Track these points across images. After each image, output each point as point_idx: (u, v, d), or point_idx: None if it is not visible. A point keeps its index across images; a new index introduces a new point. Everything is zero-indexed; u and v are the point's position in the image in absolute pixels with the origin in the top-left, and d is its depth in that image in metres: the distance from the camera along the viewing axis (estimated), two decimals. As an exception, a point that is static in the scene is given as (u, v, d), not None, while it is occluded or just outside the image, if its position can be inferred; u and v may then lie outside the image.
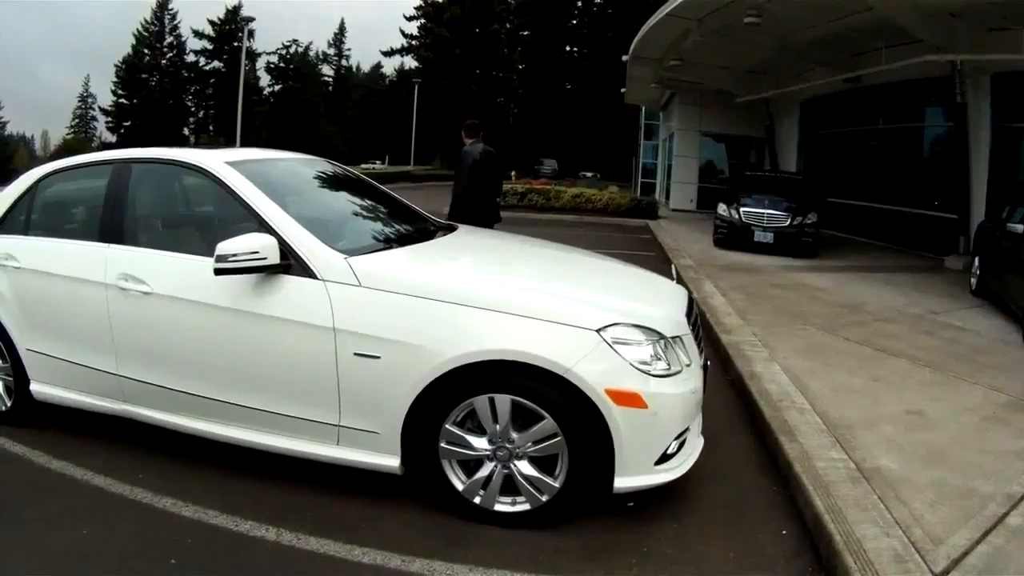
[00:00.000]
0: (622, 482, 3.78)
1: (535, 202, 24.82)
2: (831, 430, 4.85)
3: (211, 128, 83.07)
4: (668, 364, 3.86)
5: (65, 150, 74.22)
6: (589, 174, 53.24)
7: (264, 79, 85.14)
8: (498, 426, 3.81)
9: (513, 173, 38.44)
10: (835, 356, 6.90)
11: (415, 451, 3.96)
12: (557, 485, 3.81)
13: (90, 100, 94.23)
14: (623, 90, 34.15)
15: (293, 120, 78.45)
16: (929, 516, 3.74)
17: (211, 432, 4.42)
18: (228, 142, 56.24)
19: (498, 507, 3.94)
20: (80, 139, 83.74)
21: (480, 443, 3.88)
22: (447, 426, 3.88)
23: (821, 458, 4.36)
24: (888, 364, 6.73)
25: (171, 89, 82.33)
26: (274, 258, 4.07)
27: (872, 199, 19.09)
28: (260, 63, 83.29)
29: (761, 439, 5.06)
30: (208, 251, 4.21)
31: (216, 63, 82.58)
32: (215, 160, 4.66)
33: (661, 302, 4.38)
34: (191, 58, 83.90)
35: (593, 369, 3.67)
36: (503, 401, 3.76)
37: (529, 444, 3.81)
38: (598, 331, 3.76)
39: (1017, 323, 8.45)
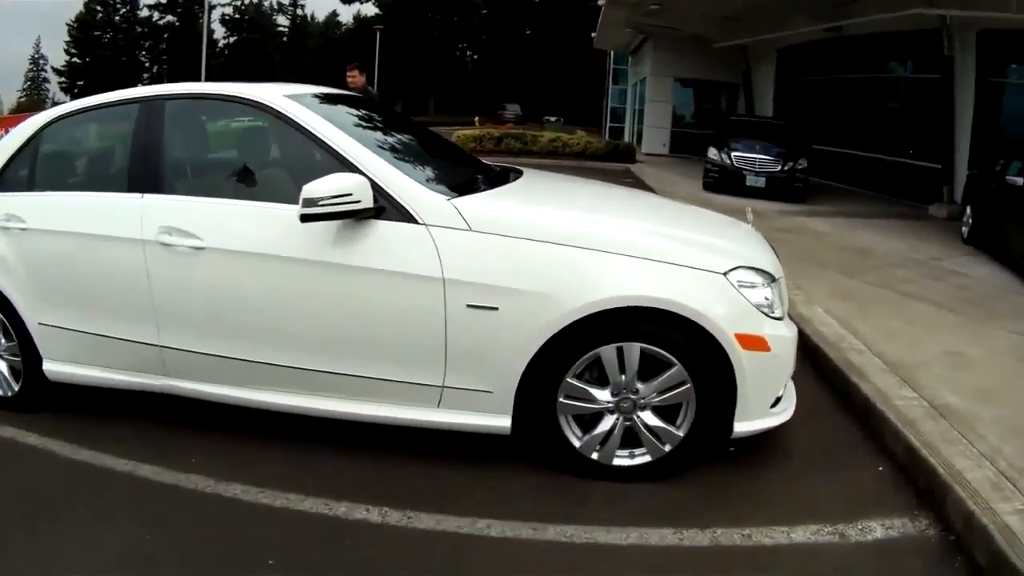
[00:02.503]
0: (741, 427, 3.72)
1: (512, 147, 24.71)
2: (892, 370, 5.04)
3: (165, 81, 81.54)
4: (780, 306, 3.86)
5: (20, 111, 72.65)
6: (553, 118, 52.96)
7: (219, 31, 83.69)
8: (624, 377, 3.63)
9: (476, 119, 38.30)
10: (865, 300, 7.12)
11: (528, 408, 3.70)
12: (681, 434, 3.71)
13: (41, 62, 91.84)
14: (593, 35, 34.26)
15: (250, 72, 77.14)
16: (1006, 449, 3.94)
17: (280, 404, 4.02)
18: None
19: (616, 461, 3.78)
20: (34, 101, 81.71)
21: (603, 395, 3.69)
22: (568, 379, 3.65)
23: (896, 396, 4.55)
24: (914, 308, 6.97)
25: (125, 46, 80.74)
26: (368, 200, 3.62)
27: (851, 146, 19.39)
28: (215, 15, 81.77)
29: (826, 380, 5.22)
30: (272, 196, 3.98)
31: (170, 17, 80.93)
32: (273, 94, 4.16)
33: (759, 245, 4.32)
34: (144, 13, 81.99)
35: (723, 313, 3.57)
36: (632, 350, 3.59)
37: (654, 394, 3.67)
38: (724, 274, 3.66)
39: (1016, 271, 8.80)
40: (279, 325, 3.91)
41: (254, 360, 3.97)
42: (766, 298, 3.75)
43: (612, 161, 23.79)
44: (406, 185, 3.78)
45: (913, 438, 4.00)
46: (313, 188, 3.53)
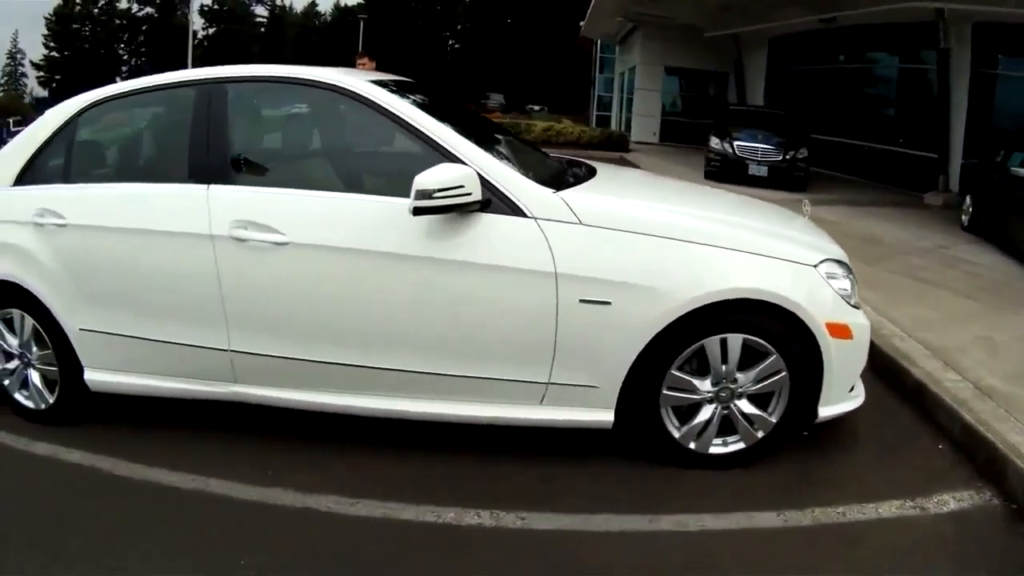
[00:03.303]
0: (824, 411, 3.85)
1: (505, 135, 24.81)
2: (934, 355, 5.30)
3: (143, 74, 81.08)
4: (855, 295, 3.99)
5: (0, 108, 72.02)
6: (537, 107, 53.20)
7: (198, 22, 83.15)
8: (726, 367, 3.69)
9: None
10: (890, 288, 7.32)
11: (632, 401, 3.70)
12: (774, 420, 3.79)
13: (19, 56, 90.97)
14: (581, 23, 34.30)
15: (229, 63, 76.68)
16: (1053, 427, 4.21)
17: (366, 408, 3.85)
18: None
19: (712, 450, 3.84)
20: (13, 96, 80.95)
21: (704, 386, 3.73)
22: (672, 371, 3.67)
23: (945, 379, 4.81)
24: (935, 295, 7.24)
25: (104, 38, 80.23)
26: (478, 193, 3.49)
27: (845, 135, 19.67)
28: (194, 5, 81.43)
29: (873, 365, 5.28)
30: (359, 187, 3.94)
31: (148, 9, 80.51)
32: (357, 80, 3.94)
33: (826, 237, 4.40)
34: (123, 5, 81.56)
35: (815, 304, 3.67)
36: (735, 341, 3.65)
37: (752, 382, 3.73)
38: (815, 266, 3.78)
39: (1020, 259, 9.14)
40: (371, 325, 3.74)
41: (340, 363, 3.78)
42: (847, 288, 3.90)
43: (606, 150, 23.81)
44: (512, 177, 3.69)
45: (969, 417, 4.27)
46: (426, 179, 3.39)
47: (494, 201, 3.59)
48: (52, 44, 79.71)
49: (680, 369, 3.70)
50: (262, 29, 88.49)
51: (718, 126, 17.47)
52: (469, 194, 3.46)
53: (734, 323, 3.64)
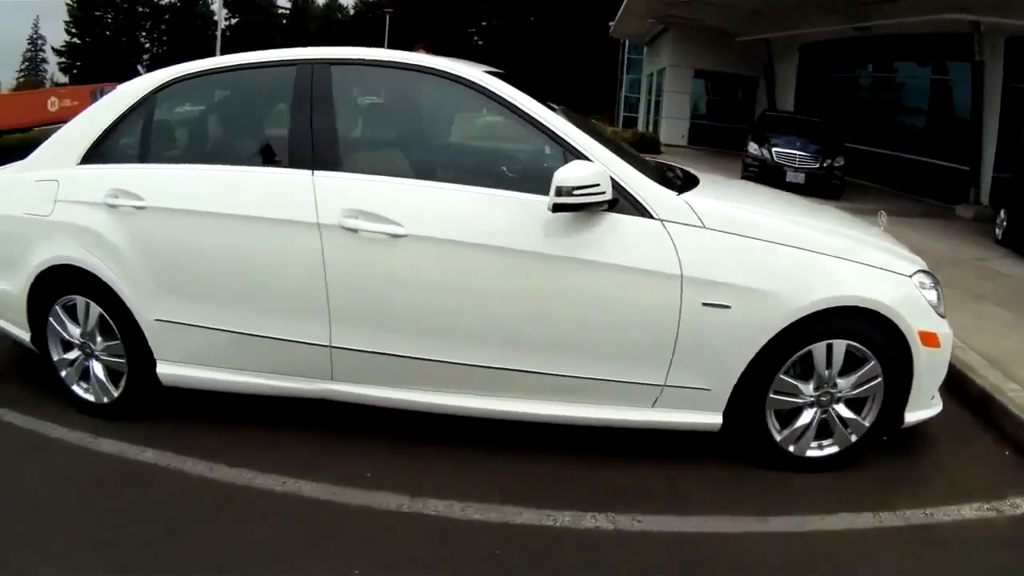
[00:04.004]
0: (910, 416, 3.96)
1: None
2: (991, 364, 5.51)
3: (163, 65, 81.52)
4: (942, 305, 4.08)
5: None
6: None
7: (221, 12, 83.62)
8: (829, 372, 3.77)
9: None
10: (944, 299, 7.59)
11: (739, 404, 3.76)
12: (867, 424, 3.89)
13: (40, 42, 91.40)
14: (610, 24, 34.63)
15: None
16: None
17: (474, 408, 3.81)
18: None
19: (809, 453, 3.93)
20: (35, 81, 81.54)
21: (808, 390, 3.80)
22: (780, 375, 3.74)
23: (1007, 388, 5.02)
24: (980, 307, 7.44)
25: (126, 26, 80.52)
26: (609, 192, 3.44)
27: (875, 144, 19.75)
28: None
29: None
30: (479, 180, 3.76)
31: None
32: (476, 70, 3.87)
33: (905, 248, 4.44)
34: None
35: (911, 313, 3.77)
36: (840, 347, 3.73)
37: (850, 388, 3.82)
38: (910, 276, 3.88)
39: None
40: (490, 323, 3.66)
41: (452, 361, 3.71)
42: (935, 298, 4.01)
43: (639, 151, 23.80)
44: (638, 177, 3.66)
45: (1032, 423, 4.49)
46: (567, 176, 3.36)
47: (620, 201, 3.56)
48: (74, 31, 80.00)
49: (786, 373, 3.77)
50: (284, 21, 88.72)
51: (756, 132, 17.68)
52: (603, 193, 3.43)
53: (839, 329, 3.73)
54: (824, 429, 3.92)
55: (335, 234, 3.65)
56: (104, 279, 4.00)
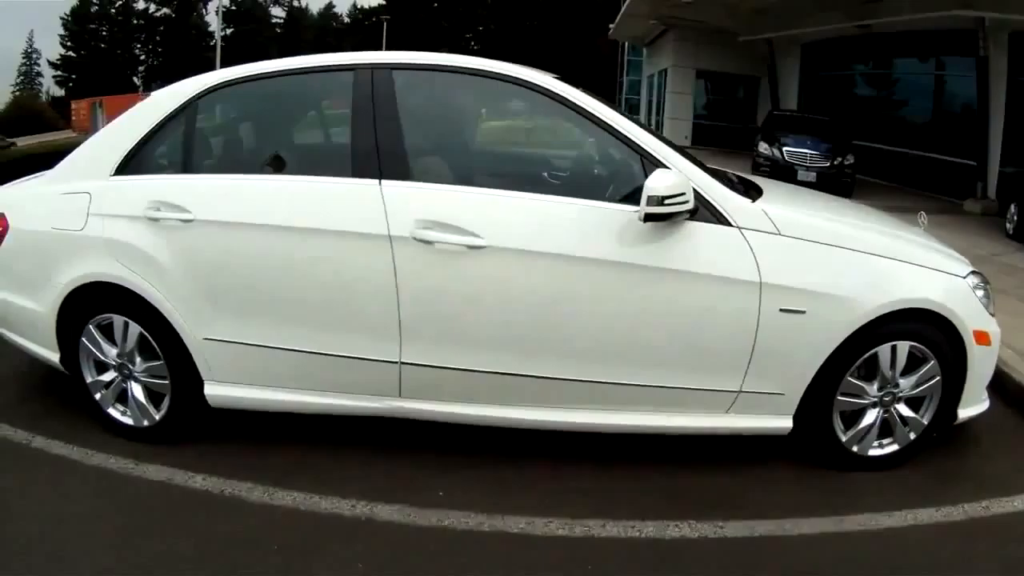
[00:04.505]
0: (963, 413, 4.04)
1: (549, 138, 25.08)
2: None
3: (159, 78, 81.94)
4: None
5: (16, 106, 72.51)
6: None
7: (215, 23, 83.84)
8: (892, 373, 3.83)
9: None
10: None
11: (809, 407, 3.80)
12: (925, 422, 3.95)
13: (35, 56, 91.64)
14: (610, 25, 34.70)
15: (246, 63, 77.50)
16: None
17: (549, 421, 3.75)
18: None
19: (871, 452, 3.97)
20: (32, 95, 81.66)
21: (872, 390, 3.86)
22: (848, 378, 3.78)
23: None
24: (1005, 302, 7.44)
25: (121, 38, 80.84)
26: (692, 201, 3.41)
27: (880, 141, 19.73)
28: (212, 6, 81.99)
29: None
30: (553, 189, 3.75)
31: (165, 9, 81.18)
32: (546, 76, 3.81)
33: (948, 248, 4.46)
34: (140, 5, 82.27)
35: (966, 313, 3.84)
36: (903, 348, 3.78)
37: (911, 387, 3.88)
38: (964, 277, 3.95)
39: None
40: (571, 335, 3.60)
41: (531, 375, 3.63)
42: (986, 297, 4.08)
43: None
44: (715, 185, 3.67)
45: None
46: (656, 186, 3.32)
47: (700, 209, 3.53)
48: (69, 44, 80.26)
49: (853, 375, 3.82)
50: (278, 30, 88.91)
51: (765, 131, 17.72)
52: (688, 201, 3.40)
53: (902, 331, 3.79)
54: (885, 428, 4.00)
55: (408, 246, 3.52)
56: (145, 297, 3.78)
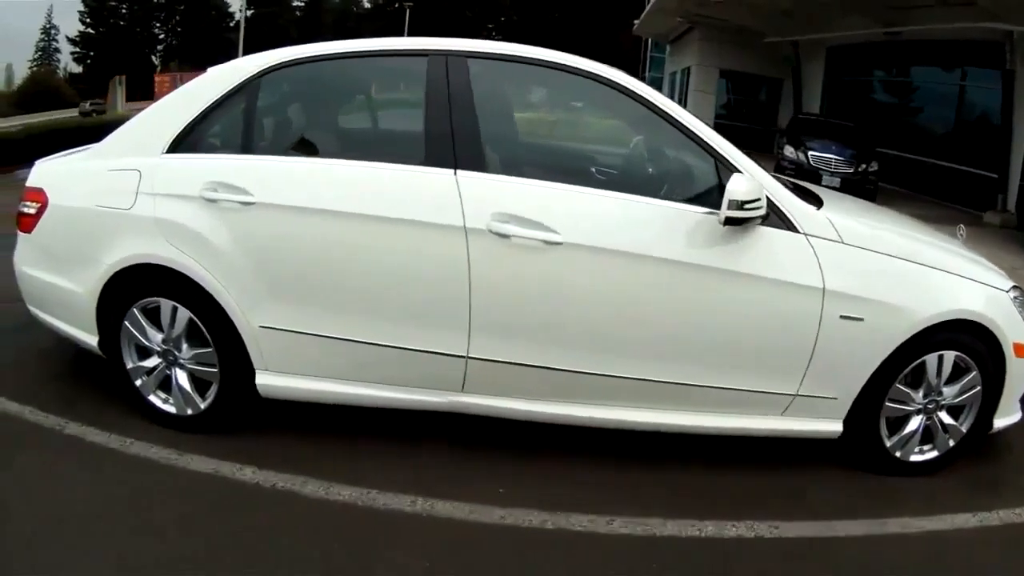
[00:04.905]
0: (998, 422, 4.12)
1: (571, 133, 25.14)
2: None
3: (177, 56, 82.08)
4: None
5: (33, 82, 72.88)
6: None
7: (235, 4, 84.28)
8: (937, 381, 3.93)
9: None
10: None
11: (858, 412, 3.89)
12: (963, 430, 4.05)
13: (53, 32, 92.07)
14: (635, 21, 34.83)
15: (266, 46, 77.26)
16: None
17: (608, 419, 3.77)
18: (196, 70, 56.05)
19: (912, 458, 4.06)
20: (49, 71, 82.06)
21: (917, 397, 3.95)
22: (897, 384, 3.87)
23: None
24: None
25: (141, 16, 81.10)
26: (765, 206, 3.46)
27: (900, 148, 19.69)
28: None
29: None
30: (627, 187, 3.71)
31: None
32: (626, 75, 3.80)
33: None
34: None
35: (1008, 325, 3.92)
36: (949, 357, 3.87)
37: (954, 396, 3.98)
38: (1006, 291, 4.03)
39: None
40: (639, 333, 3.63)
41: (597, 373, 3.66)
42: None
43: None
44: (784, 192, 3.72)
45: None
46: (737, 190, 3.36)
47: (770, 215, 3.59)
48: (88, 20, 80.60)
49: (901, 382, 3.91)
50: (297, 13, 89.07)
51: (790, 134, 17.75)
52: (762, 207, 3.45)
53: (948, 341, 3.88)
54: (925, 435, 4.10)
55: (484, 239, 3.48)
56: (198, 281, 3.67)
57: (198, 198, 3.68)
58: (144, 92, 52.43)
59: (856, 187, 15.63)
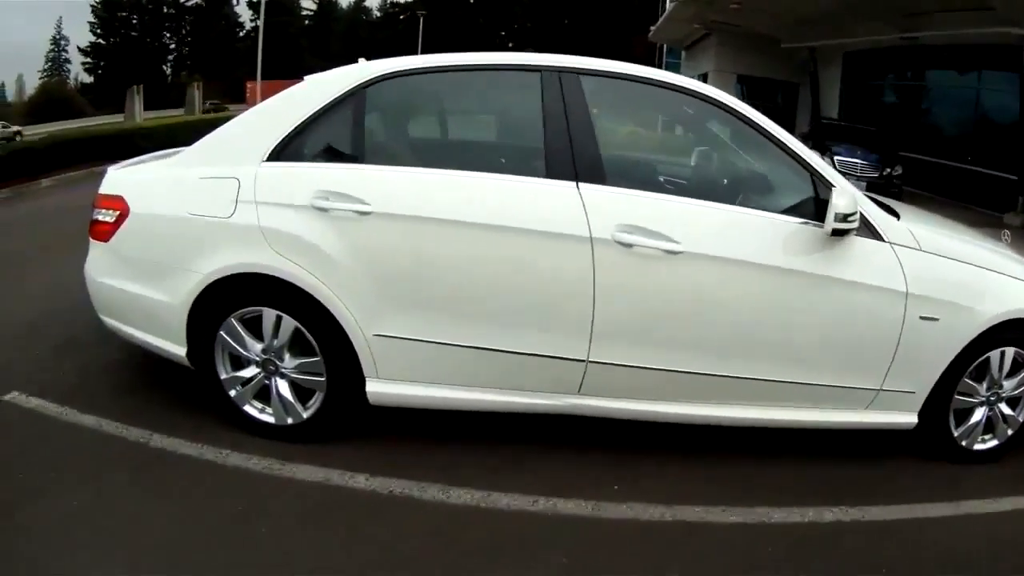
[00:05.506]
0: None
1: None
2: None
3: (188, 64, 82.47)
4: None
5: (44, 92, 73.05)
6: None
7: (245, 14, 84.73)
8: (999, 375, 4.20)
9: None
10: None
11: (931, 405, 4.13)
12: (1021, 420, 4.36)
13: (63, 43, 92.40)
14: (651, 28, 34.93)
15: (278, 55, 77.93)
16: None
17: (717, 416, 3.97)
18: (208, 81, 56.31)
19: (976, 446, 4.34)
20: (60, 81, 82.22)
21: (982, 390, 4.23)
22: (965, 379, 4.14)
23: None
24: None
25: (151, 27, 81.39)
26: (859, 218, 3.72)
27: (919, 151, 19.67)
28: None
29: None
30: (735, 199, 3.92)
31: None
32: (731, 97, 3.97)
33: None
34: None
35: None
36: (1009, 353, 4.17)
37: (1012, 388, 4.26)
38: None
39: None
40: (752, 335, 3.83)
41: (713, 374, 3.84)
42: None
43: (692, 154, 24.24)
44: (869, 203, 3.97)
45: None
46: (842, 204, 3.59)
47: (860, 226, 3.79)
48: (99, 31, 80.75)
49: (968, 377, 4.19)
50: (307, 22, 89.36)
51: (814, 140, 17.79)
52: (858, 219, 3.69)
53: (1009, 338, 4.17)
54: (987, 425, 4.39)
55: (608, 248, 3.61)
56: (308, 290, 3.67)
57: (308, 207, 3.68)
58: (157, 102, 52.67)
59: (882, 191, 15.62)
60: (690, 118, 4.49)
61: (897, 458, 4.43)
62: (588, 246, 3.60)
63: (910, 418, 4.18)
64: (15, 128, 46.14)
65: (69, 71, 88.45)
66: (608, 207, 3.65)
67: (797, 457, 4.31)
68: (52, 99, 67.57)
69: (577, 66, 3.89)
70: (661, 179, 4.34)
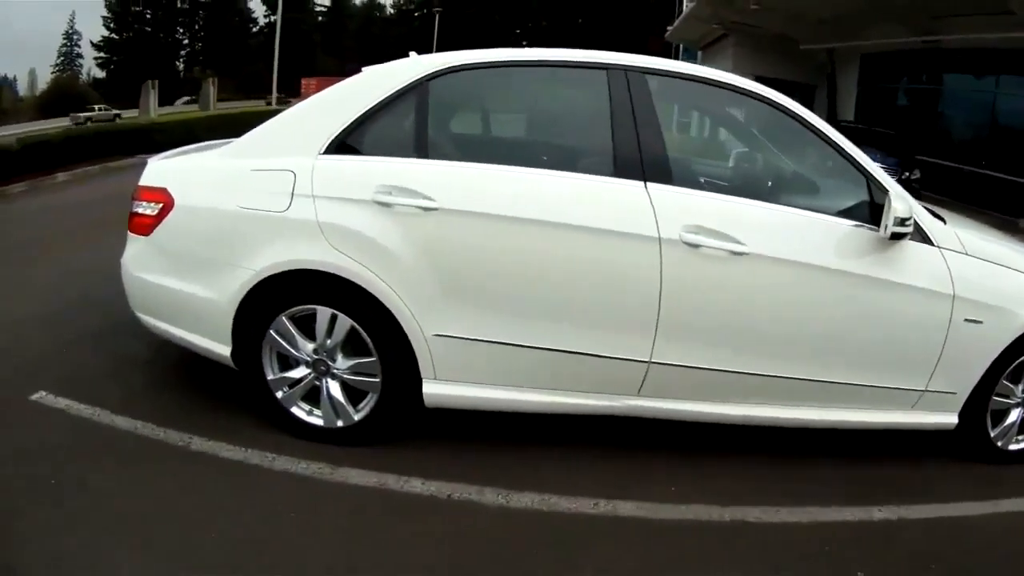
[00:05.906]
0: None
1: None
2: None
3: (201, 59, 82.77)
4: None
5: (57, 87, 73.22)
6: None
7: (259, 10, 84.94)
8: None
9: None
10: None
11: (970, 405, 4.16)
12: None
13: (76, 37, 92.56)
14: (669, 28, 34.91)
15: (291, 52, 78.06)
16: None
17: (774, 418, 3.98)
18: (219, 76, 56.52)
19: (1011, 447, 4.39)
20: (72, 76, 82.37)
21: (1018, 392, 4.28)
22: (1002, 380, 4.17)
23: None
24: None
25: (165, 21, 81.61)
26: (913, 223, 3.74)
27: (935, 155, 19.60)
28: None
29: None
30: (793, 202, 3.88)
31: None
32: (794, 102, 3.96)
33: None
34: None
35: None
36: None
37: None
38: None
39: None
40: (813, 337, 3.85)
41: (772, 375, 3.85)
42: None
43: (702, 160, 24.31)
44: (921, 210, 4.00)
45: None
46: (902, 209, 3.61)
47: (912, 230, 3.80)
48: (112, 25, 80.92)
49: (1006, 378, 4.22)
50: (320, 18, 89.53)
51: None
52: (912, 223, 3.70)
53: None
54: (1022, 426, 4.44)
55: (676, 249, 3.58)
56: (368, 288, 3.57)
57: (369, 202, 3.58)
58: (169, 97, 52.73)
59: (900, 194, 15.91)
60: (751, 120, 4.52)
61: (936, 459, 4.49)
62: (656, 246, 3.57)
63: (951, 419, 4.21)
64: (115, 111, 48.43)
65: (81, 66, 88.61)
66: (675, 207, 3.62)
67: (836, 458, 4.37)
68: (64, 94, 67.68)
69: (643, 66, 3.86)
70: (720, 180, 4.36)
